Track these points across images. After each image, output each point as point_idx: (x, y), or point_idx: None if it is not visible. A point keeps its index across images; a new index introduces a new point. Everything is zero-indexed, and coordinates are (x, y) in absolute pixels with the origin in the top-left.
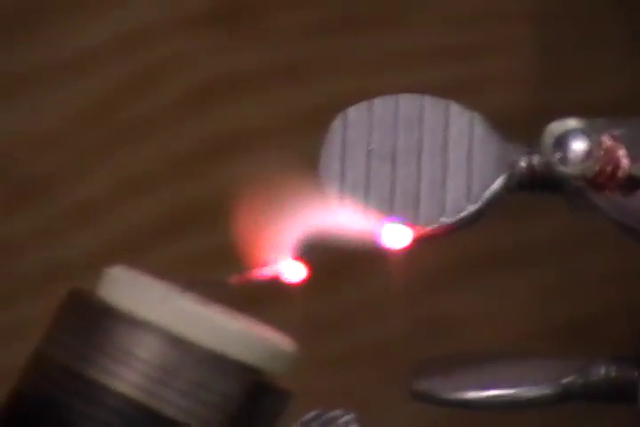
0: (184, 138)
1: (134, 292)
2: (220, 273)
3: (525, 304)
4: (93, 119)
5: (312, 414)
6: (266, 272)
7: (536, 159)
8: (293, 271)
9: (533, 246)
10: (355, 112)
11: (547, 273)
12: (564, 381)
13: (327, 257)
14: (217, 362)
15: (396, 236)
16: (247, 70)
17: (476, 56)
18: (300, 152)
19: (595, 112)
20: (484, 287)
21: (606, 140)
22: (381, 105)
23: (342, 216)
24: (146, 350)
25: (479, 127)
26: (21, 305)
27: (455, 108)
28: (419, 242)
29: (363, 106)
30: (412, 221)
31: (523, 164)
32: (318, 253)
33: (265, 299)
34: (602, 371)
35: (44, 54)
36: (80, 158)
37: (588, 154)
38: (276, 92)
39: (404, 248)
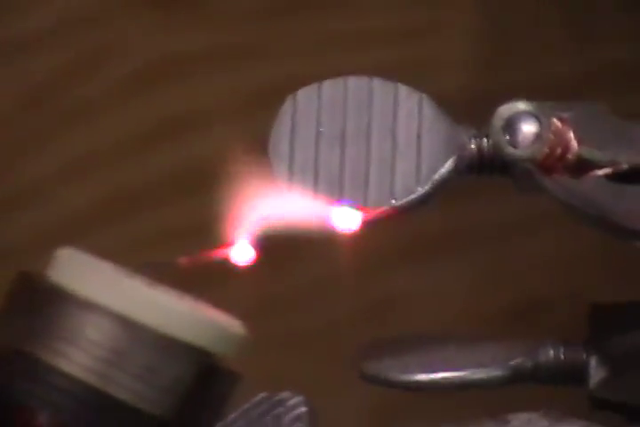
0: (128, 120)
1: (83, 273)
2: (164, 256)
3: (473, 286)
4: (36, 102)
5: (261, 396)
6: (214, 254)
7: (485, 142)
8: (242, 253)
9: (480, 228)
10: (304, 94)
11: (494, 255)
12: (513, 362)
13: (276, 239)
14: (166, 344)
15: (346, 218)
16: (191, 52)
17: (421, 38)
18: (244, 134)
19: (542, 95)
20: (431, 269)
21: (555, 123)
22: (330, 87)
23: (291, 198)
24: (95, 332)
25: (428, 109)
26: None
27: (403, 90)
28: (368, 224)
29: (311, 88)
30: (361, 204)
31: (472, 146)
32: (267, 235)
33: (214, 281)
34: (550, 353)
35: None
36: (23, 141)
37: (538, 136)
38: (220, 74)
39: (354, 230)
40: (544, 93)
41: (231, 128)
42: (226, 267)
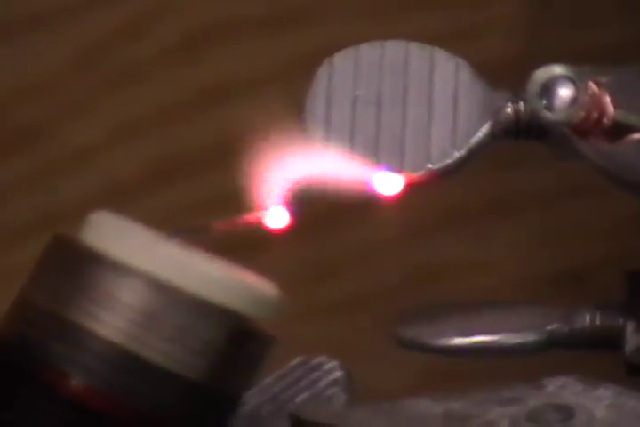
0: (176, 84)
1: (118, 237)
2: (211, 220)
3: (517, 253)
4: (83, 67)
5: (297, 360)
6: (251, 219)
7: (522, 106)
8: (279, 218)
9: (523, 195)
10: (340, 58)
11: (538, 222)
12: (549, 328)
13: (318, 205)
14: (199, 307)
15: (386, 182)
16: (240, 17)
17: (466, 4)
18: (288, 100)
19: (586, 60)
20: (475, 237)
21: (592, 87)
22: (367, 51)
23: (330, 163)
24: (129, 296)
25: (464, 74)
26: (11, 251)
27: (440, 55)
28: (407, 189)
29: (348, 52)
30: (397, 168)
31: (508, 110)
32: (308, 200)
33: (254, 247)
34: (587, 319)
35: (28, 4)
36: (70, 105)
37: (574, 100)
38: (265, 40)
39: (395, 195)
40: (589, 60)
41: (275, 94)
42: (267, 233)
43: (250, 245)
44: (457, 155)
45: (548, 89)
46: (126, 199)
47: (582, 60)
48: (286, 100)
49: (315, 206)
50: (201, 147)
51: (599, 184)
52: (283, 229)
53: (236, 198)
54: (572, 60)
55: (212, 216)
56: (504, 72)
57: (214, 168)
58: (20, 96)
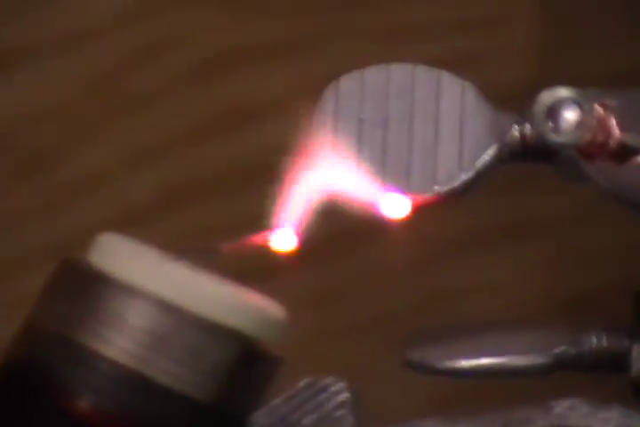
0: (187, 111)
1: (126, 258)
2: (219, 243)
3: (526, 277)
4: (96, 92)
5: (304, 382)
6: (260, 241)
7: (528, 128)
8: (287, 241)
9: (535, 219)
10: (347, 81)
11: (551, 246)
12: (556, 350)
13: (326, 228)
14: (208, 329)
15: (393, 205)
16: (253, 44)
17: (475, 28)
18: (303, 127)
19: (595, 83)
20: (487, 260)
21: (598, 109)
22: (373, 74)
23: (337, 186)
24: (137, 317)
25: (471, 96)
26: (22, 279)
27: (447, 78)
28: (415, 212)
29: (355, 75)
30: (404, 190)
31: (515, 133)
32: (316, 223)
33: (264, 269)
34: (593, 341)
35: (46, 27)
36: (82, 131)
37: (580, 123)
38: (281, 66)
39: (404, 218)
40: (598, 84)
41: (290, 120)
42: (277, 256)
43: (260, 268)
44: (463, 177)
45: (554, 111)
46: (138, 225)
47: (592, 83)
48: (297, 124)
49: (324, 229)
50: (212, 172)
51: (610, 209)
52: (291, 252)
53: (252, 222)
54: (581, 83)
55: (224, 241)
56: (512, 95)
57: (226, 193)
58: (32, 122)
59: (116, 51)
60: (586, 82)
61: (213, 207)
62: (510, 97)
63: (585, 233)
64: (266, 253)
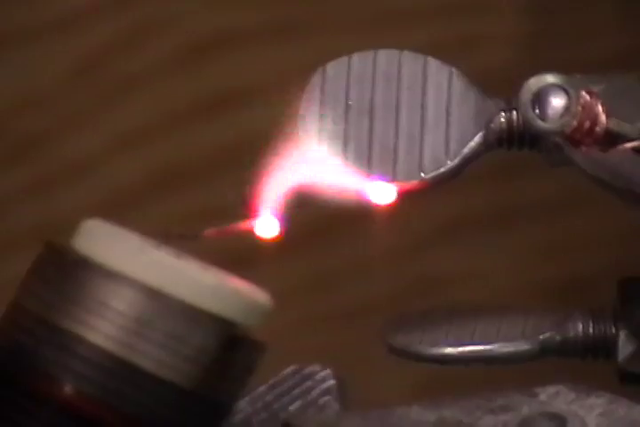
0: (175, 95)
1: (109, 244)
2: (203, 228)
3: (514, 263)
4: (83, 77)
5: (290, 369)
6: (244, 228)
7: (514, 115)
8: (271, 228)
9: (523, 205)
10: (333, 67)
11: (537, 232)
12: (541, 337)
13: (312, 214)
14: (191, 315)
15: (379, 192)
16: (240, 27)
17: (463, 14)
18: (289, 110)
19: (583, 70)
20: (472, 246)
21: (584, 96)
22: (359, 60)
23: (323, 172)
24: (120, 302)
25: (457, 82)
26: (11, 262)
27: (433, 64)
28: (401, 198)
29: (340, 61)
30: (390, 177)
31: (501, 120)
32: (301, 209)
33: (251, 255)
34: (579, 327)
35: (32, 13)
36: (70, 116)
37: (566, 109)
38: (268, 49)
39: (389, 205)
40: (587, 70)
41: (273, 104)
42: (262, 243)
43: (244, 255)
44: (450, 164)
45: (540, 98)
46: (126, 209)
47: (579, 70)
48: (284, 110)
49: (310, 216)
50: (199, 156)
51: (596, 195)
52: (275, 238)
53: (233, 207)
54: (569, 70)
55: (211, 225)
56: (499, 81)
57: (213, 177)
58: (20, 108)
59: (102, 36)
60: (573, 68)
61: (200, 191)
62: (498, 83)
63: (571, 219)
64: (250, 240)
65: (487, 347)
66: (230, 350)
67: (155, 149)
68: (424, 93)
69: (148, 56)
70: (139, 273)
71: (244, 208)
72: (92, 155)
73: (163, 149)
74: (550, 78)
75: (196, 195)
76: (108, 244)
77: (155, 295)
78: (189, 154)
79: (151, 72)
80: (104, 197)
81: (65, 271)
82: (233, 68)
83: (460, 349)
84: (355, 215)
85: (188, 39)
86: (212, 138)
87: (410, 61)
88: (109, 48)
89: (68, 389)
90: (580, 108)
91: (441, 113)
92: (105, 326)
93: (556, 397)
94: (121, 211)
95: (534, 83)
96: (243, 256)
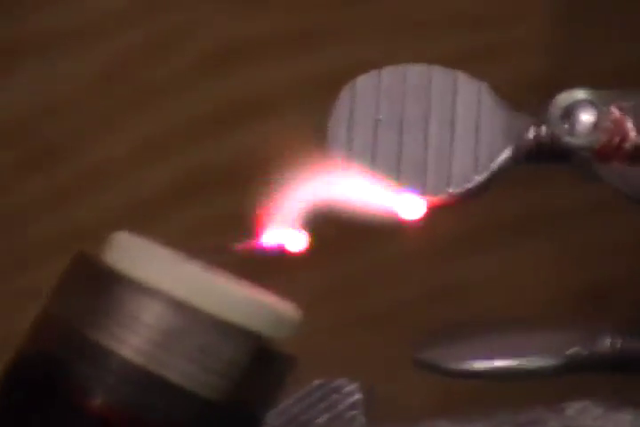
0: (199, 104)
1: (139, 257)
2: (232, 240)
3: (538, 273)
4: (108, 84)
5: (317, 383)
6: (271, 240)
7: (543, 130)
8: (298, 240)
9: (550, 214)
10: (363, 81)
11: (563, 241)
12: (569, 352)
13: (339, 226)
14: (221, 328)
15: (408, 206)
16: (262, 36)
17: (490, 25)
18: (310, 120)
19: (610, 82)
20: (498, 256)
21: (614, 112)
22: (390, 74)
23: (352, 186)
24: (150, 316)
25: (487, 97)
26: (36, 270)
27: (463, 78)
28: (429, 212)
29: (371, 75)
30: (419, 191)
31: (530, 135)
32: (330, 222)
33: (277, 266)
34: (607, 342)
35: (59, 19)
36: (94, 124)
37: (596, 125)
38: (290, 59)
39: (417, 218)
40: (615, 83)
41: (297, 114)
42: (288, 254)
43: (271, 267)
44: (478, 179)
45: (569, 113)
46: (150, 216)
47: (608, 80)
48: (308, 119)
49: (337, 228)
50: (225, 164)
51: (622, 204)
52: (302, 250)
53: (259, 218)
54: (597, 80)
55: (235, 234)
56: (529, 93)
57: (238, 187)
58: (46, 113)
59: (125, 44)
60: (603, 79)
61: (224, 201)
62: (527, 95)
63: (597, 228)
64: (277, 252)
65: (514, 362)
66: (260, 363)
67: (178, 157)
68: (453, 108)
69: (171, 64)
70: (168, 287)
71: (269, 219)
72: (115, 163)
73: (186, 157)
74: (580, 94)
75: (220, 204)
76: (138, 257)
77: (184, 309)
78: (213, 163)
79: (174, 80)
80: (127, 205)
81: (96, 284)
82: (257, 77)
83: (487, 363)
84: (382, 227)
85: (212, 48)
86: (236, 146)
87: (440, 76)
88: (132, 56)
89: (97, 401)
90: (609, 124)
91: (470, 128)
92: (135, 339)
93: (582, 413)
94: (143, 219)
95: (564, 98)
96: (269, 267)
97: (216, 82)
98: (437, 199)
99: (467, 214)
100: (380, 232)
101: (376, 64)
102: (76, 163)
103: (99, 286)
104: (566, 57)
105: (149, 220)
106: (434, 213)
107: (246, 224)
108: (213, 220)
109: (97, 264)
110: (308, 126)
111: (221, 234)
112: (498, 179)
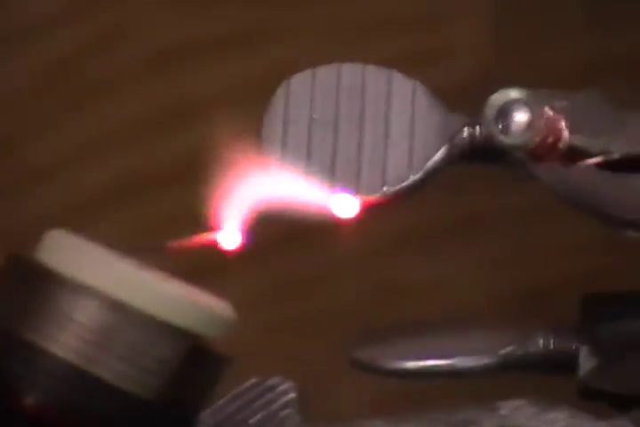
0: (140, 104)
1: (73, 256)
2: (170, 239)
3: (476, 273)
4: (49, 83)
5: (251, 381)
6: (206, 239)
7: (478, 130)
8: (235, 239)
9: (484, 217)
10: (298, 80)
11: (497, 243)
12: (503, 351)
13: (274, 226)
14: (154, 327)
15: (343, 205)
16: (202, 37)
17: (425, 26)
18: (249, 121)
19: (544, 83)
20: (434, 256)
21: (548, 112)
22: (324, 74)
23: (287, 185)
24: (84, 314)
25: (421, 97)
26: None
27: (398, 78)
28: (363, 211)
29: (306, 74)
30: (353, 190)
31: (465, 134)
32: (265, 221)
33: (213, 266)
34: (540, 342)
35: (1, 18)
36: (35, 124)
37: (529, 125)
38: (230, 61)
39: (353, 217)
40: (550, 84)
41: (236, 114)
42: (225, 254)
43: (207, 266)
44: (413, 178)
45: (504, 113)
46: (89, 216)
47: (545, 81)
48: (247, 120)
49: (272, 227)
50: (165, 165)
51: (556, 207)
52: (239, 249)
53: (195, 218)
54: (531, 81)
55: (174, 234)
56: (463, 93)
57: (178, 186)
58: None
59: (70, 42)
60: (539, 80)
61: (164, 200)
62: (462, 95)
63: (531, 231)
64: (213, 251)
65: (448, 361)
66: (193, 362)
67: (118, 157)
68: (388, 107)
69: (115, 63)
70: (102, 285)
71: (208, 218)
72: (56, 161)
73: (126, 157)
74: (514, 94)
75: (160, 203)
76: (71, 255)
77: (117, 307)
78: (154, 162)
79: (118, 79)
80: (67, 204)
81: (28, 283)
82: (197, 77)
83: (422, 363)
84: (317, 226)
85: (157, 47)
86: (176, 146)
87: (374, 75)
88: (76, 55)
89: (29, 400)
90: (543, 124)
91: (405, 127)
92: (68, 338)
93: (516, 411)
94: (84, 219)
95: (498, 98)
96: (206, 267)
97: (157, 82)
98: (372, 198)
99: (402, 216)
100: (315, 231)
101: (315, 65)
102: (15, 162)
103: (31, 284)
104: (500, 57)
105: (89, 219)
106: (370, 212)
107: (185, 224)
108: (153, 219)
109: (29, 263)
110: (248, 126)
111: (160, 234)
112: (432, 178)
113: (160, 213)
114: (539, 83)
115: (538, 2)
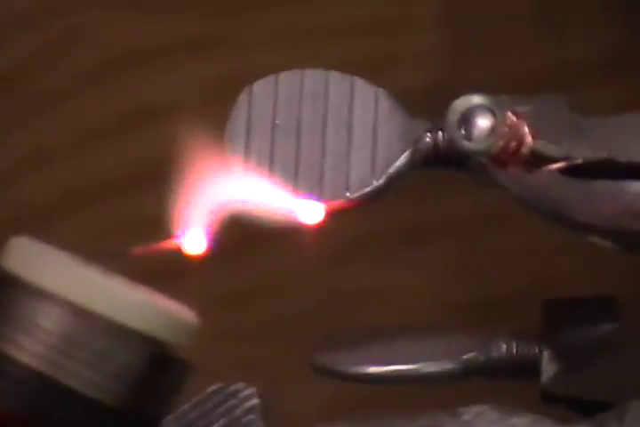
0: (92, 110)
1: (36, 262)
2: (129, 245)
3: (432, 280)
4: (5, 88)
5: (214, 387)
6: (169, 245)
7: (440, 135)
8: (197, 244)
9: (444, 222)
10: (260, 86)
11: (454, 249)
12: (465, 357)
13: (235, 231)
14: (118, 333)
15: (306, 210)
16: (160, 43)
17: (387, 32)
18: (208, 126)
19: (507, 90)
20: (390, 262)
21: (510, 117)
22: (287, 79)
23: (250, 190)
24: (47, 321)
25: (384, 103)
26: None
27: (360, 84)
28: (327, 216)
29: (268, 80)
30: (316, 196)
31: (427, 140)
32: (226, 227)
33: (172, 272)
34: (503, 347)
35: None
36: None
37: (492, 130)
38: (187, 66)
39: (315, 223)
40: (509, 89)
41: (198, 119)
42: (185, 259)
43: (168, 271)
44: (375, 183)
45: (466, 118)
46: (48, 221)
47: (506, 86)
48: (205, 125)
49: (233, 233)
50: (125, 169)
51: (514, 212)
52: (200, 255)
53: (155, 223)
54: (492, 87)
55: (130, 241)
56: (425, 101)
57: (132, 193)
58: None
59: (18, 51)
60: (500, 85)
61: (120, 207)
62: (424, 101)
63: (487, 237)
64: (175, 257)
65: (410, 366)
66: (156, 368)
67: (70, 165)
68: (350, 113)
69: (65, 72)
70: (65, 291)
71: (169, 224)
72: (6, 170)
73: (88, 161)
74: (477, 99)
75: (121, 209)
76: (35, 262)
77: (81, 313)
78: (113, 168)
79: (68, 88)
80: (19, 213)
81: None
82: (153, 84)
83: (383, 368)
84: (274, 232)
85: (107, 55)
86: (136, 151)
87: (337, 81)
88: (25, 64)
89: None
90: (506, 129)
91: (367, 133)
92: (31, 343)
93: (479, 417)
94: (35, 226)
95: (461, 103)
96: (165, 273)
97: (112, 89)
98: (335, 204)
99: (355, 222)
100: (278, 237)
101: (276, 70)
102: None
103: None
104: (463, 63)
105: (40, 227)
106: (332, 218)
107: (146, 228)
108: (114, 224)
109: None
110: (208, 132)
111: (122, 238)
112: (395, 184)
113: (121, 218)
114: (501, 89)
115: (496, 8)
